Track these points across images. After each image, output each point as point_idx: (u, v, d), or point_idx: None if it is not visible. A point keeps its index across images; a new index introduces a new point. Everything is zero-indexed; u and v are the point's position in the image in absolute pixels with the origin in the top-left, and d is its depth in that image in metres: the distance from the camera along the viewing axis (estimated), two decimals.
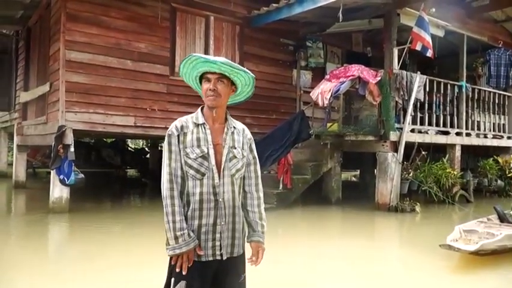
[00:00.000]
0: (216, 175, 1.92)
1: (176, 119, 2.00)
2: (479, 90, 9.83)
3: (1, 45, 11.06)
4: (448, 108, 9.03)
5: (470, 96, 9.48)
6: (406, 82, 7.91)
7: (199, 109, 2.03)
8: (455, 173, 8.53)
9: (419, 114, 8.36)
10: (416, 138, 8.14)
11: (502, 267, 4.32)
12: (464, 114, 9.31)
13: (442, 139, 8.81)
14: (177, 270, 1.85)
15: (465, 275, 4.15)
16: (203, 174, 1.91)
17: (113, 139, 15.39)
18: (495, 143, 10.14)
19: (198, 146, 1.92)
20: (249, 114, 8.84)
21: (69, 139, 6.79)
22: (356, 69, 7.87)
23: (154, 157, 14.35)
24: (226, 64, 1.89)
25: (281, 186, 7.86)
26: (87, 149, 14.68)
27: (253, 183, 2.08)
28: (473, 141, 9.52)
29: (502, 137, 10.35)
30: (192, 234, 1.87)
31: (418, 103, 8.27)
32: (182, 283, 1.87)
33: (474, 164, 10.60)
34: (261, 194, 2.11)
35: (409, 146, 7.95)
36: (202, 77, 1.98)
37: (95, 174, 13.60)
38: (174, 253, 1.85)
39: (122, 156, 15.45)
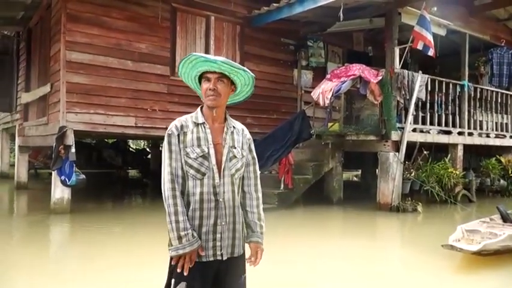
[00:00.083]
0: (216, 175, 1.91)
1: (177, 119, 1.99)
2: (482, 89, 9.78)
3: (2, 46, 11.09)
4: (450, 107, 8.99)
5: (473, 95, 9.44)
6: (408, 81, 7.88)
7: (198, 109, 2.01)
8: (458, 172, 8.49)
9: (421, 114, 8.33)
10: (418, 137, 8.11)
11: (504, 268, 4.29)
12: (466, 113, 9.27)
13: (444, 139, 8.77)
14: (179, 270, 1.83)
15: (467, 275, 4.12)
16: (203, 174, 1.90)
17: (114, 140, 15.41)
18: (498, 142, 10.09)
19: (199, 145, 1.91)
20: (250, 114, 8.84)
21: (70, 140, 6.78)
22: (357, 69, 7.84)
23: (156, 158, 14.35)
24: (226, 63, 1.88)
25: (282, 186, 7.84)
26: (89, 150, 14.69)
27: (253, 183, 2.07)
28: (476, 140, 9.48)
29: (504, 136, 10.30)
30: (195, 234, 1.86)
31: (420, 102, 8.24)
32: (182, 284, 1.85)
33: (476, 163, 10.55)
34: (260, 195, 2.10)
35: (410, 145, 7.91)
36: (202, 77, 1.96)
37: (96, 174, 13.61)
38: (177, 253, 1.83)
39: (123, 157, 15.46)
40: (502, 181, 9.94)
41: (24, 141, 9.84)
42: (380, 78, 7.73)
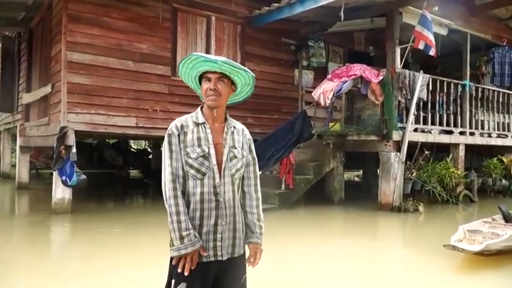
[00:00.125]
0: (217, 175, 1.90)
1: None
2: (483, 89, 9.75)
3: (4, 47, 11.13)
4: (451, 107, 8.97)
5: (474, 95, 9.41)
6: (409, 81, 7.86)
7: (198, 108, 2.01)
8: (459, 172, 8.47)
9: (422, 114, 8.31)
10: (420, 137, 8.09)
11: (507, 268, 4.27)
12: (468, 113, 9.24)
13: (445, 138, 8.75)
14: (179, 271, 1.82)
15: (469, 275, 4.10)
16: (204, 174, 1.89)
17: (115, 140, 15.43)
18: (499, 142, 10.06)
19: (199, 145, 1.90)
20: (251, 114, 8.84)
21: (71, 140, 6.79)
22: (358, 69, 7.83)
23: (157, 158, 14.36)
24: (227, 63, 1.87)
25: (283, 186, 7.83)
26: (90, 150, 14.72)
27: (252, 183, 2.06)
28: (477, 140, 9.46)
29: (506, 136, 10.26)
30: (197, 234, 1.85)
31: (421, 102, 8.22)
32: (183, 285, 1.84)
33: (478, 163, 10.53)
34: (260, 195, 2.09)
35: (412, 145, 7.90)
36: (202, 77, 1.96)
37: (97, 175, 13.64)
38: (179, 254, 1.82)
39: (124, 157, 15.49)
40: (503, 181, 9.92)
41: (25, 141, 9.85)
42: (381, 78, 7.71)
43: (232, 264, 1.94)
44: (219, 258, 1.90)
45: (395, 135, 7.70)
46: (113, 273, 3.94)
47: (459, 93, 9.15)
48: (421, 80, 7.99)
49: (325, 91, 7.89)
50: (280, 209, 7.48)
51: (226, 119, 2.01)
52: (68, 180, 6.76)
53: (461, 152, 8.96)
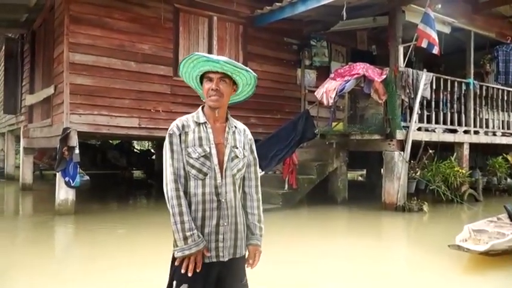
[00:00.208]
0: (218, 175, 1.88)
1: None
2: (487, 87, 9.69)
3: (7, 49, 11.16)
4: (455, 106, 8.91)
5: (478, 93, 9.35)
6: (412, 80, 7.82)
7: (199, 108, 2.00)
8: (464, 171, 8.41)
9: (426, 113, 8.26)
10: (423, 136, 8.04)
11: None
12: (472, 111, 9.18)
13: (449, 137, 8.69)
14: (183, 271, 1.81)
15: (475, 275, 4.06)
16: (205, 174, 1.88)
17: (119, 141, 15.45)
18: (504, 140, 9.99)
19: (200, 145, 1.89)
20: (254, 114, 8.83)
21: (74, 141, 6.79)
22: (361, 68, 7.79)
23: (160, 158, 14.36)
24: (229, 63, 1.86)
25: (286, 186, 7.81)
26: (93, 151, 14.75)
27: (253, 184, 2.05)
28: (482, 139, 9.39)
29: (511, 134, 10.19)
30: (200, 234, 1.84)
31: (425, 101, 8.17)
32: (184, 286, 1.83)
33: (483, 162, 10.46)
34: (260, 196, 2.08)
35: (416, 144, 7.85)
36: (204, 77, 1.94)
37: (101, 176, 13.67)
38: (183, 254, 1.81)
39: (128, 158, 15.51)
40: (508, 180, 9.86)
41: (28, 142, 9.88)
42: (384, 77, 7.67)
43: (233, 265, 1.92)
44: (221, 259, 1.88)
45: (399, 135, 7.66)
46: (114, 273, 3.93)
47: (463, 92, 9.09)
48: (425, 78, 7.95)
49: (328, 90, 7.86)
50: (284, 209, 7.45)
51: (227, 119, 1.99)
52: (71, 181, 6.77)
53: (466, 150, 8.91)
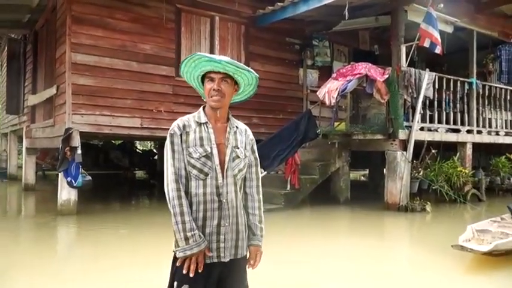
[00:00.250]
0: (219, 175, 1.88)
1: None
2: (490, 86, 9.65)
3: (10, 50, 11.20)
4: (458, 105, 8.88)
5: (481, 93, 9.31)
6: (415, 79, 7.79)
7: (201, 108, 1.99)
8: (467, 171, 8.38)
9: (428, 112, 8.23)
10: (426, 136, 8.01)
11: None
12: (475, 111, 9.15)
13: (452, 137, 8.66)
14: (184, 272, 1.80)
15: (478, 276, 4.04)
16: (206, 174, 1.87)
17: (121, 141, 15.47)
18: (507, 140, 9.94)
19: (201, 145, 1.88)
20: (256, 114, 8.82)
21: (76, 141, 6.79)
22: (363, 67, 7.76)
23: (162, 159, 14.35)
24: (231, 64, 1.85)
25: (289, 186, 7.79)
26: (96, 151, 14.78)
27: (254, 185, 2.04)
28: (485, 138, 9.36)
29: None
30: (201, 234, 1.83)
31: (427, 101, 8.14)
32: (185, 287, 1.82)
33: (486, 162, 10.42)
34: (261, 197, 2.07)
35: (418, 144, 7.82)
36: (205, 77, 1.93)
37: (103, 176, 13.69)
38: (184, 255, 1.80)
39: (130, 158, 15.53)
40: None
41: (31, 143, 9.90)
42: (386, 76, 7.64)
43: (235, 266, 1.91)
44: (222, 259, 1.87)
45: (402, 134, 7.64)
46: (115, 273, 3.93)
47: (466, 91, 9.06)
48: (427, 78, 7.92)
49: (330, 90, 7.84)
50: (286, 209, 7.44)
51: (228, 119, 1.98)
52: (73, 182, 6.77)
53: (469, 150, 8.87)
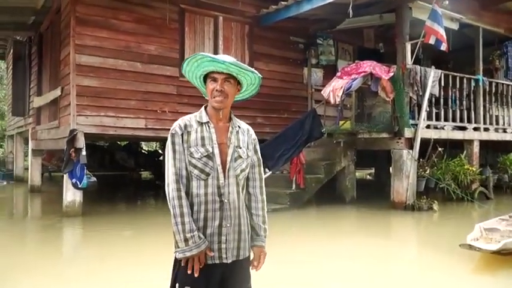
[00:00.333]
0: (221, 175, 1.85)
1: None
2: (497, 83, 9.55)
3: (15, 52, 11.26)
4: (464, 103, 8.80)
5: (488, 90, 9.23)
6: (420, 77, 7.73)
7: (202, 108, 1.97)
8: (474, 169, 8.30)
9: (434, 110, 8.16)
10: (432, 134, 7.95)
11: None
12: (481, 108, 9.06)
13: (459, 135, 8.58)
14: (189, 272, 1.78)
15: (486, 275, 3.99)
16: (208, 174, 1.84)
17: (127, 142, 15.51)
18: None
19: (203, 145, 1.86)
20: (260, 113, 8.80)
21: (81, 143, 6.81)
22: (368, 66, 7.71)
23: None
24: (234, 65, 1.83)
25: (294, 186, 7.76)
26: (101, 153, 14.80)
27: (258, 185, 2.01)
28: (492, 136, 9.27)
29: None
30: (201, 235, 1.81)
31: (433, 98, 8.07)
32: None
33: (493, 159, 10.33)
34: (265, 197, 2.04)
35: (424, 142, 7.76)
36: (207, 76, 1.91)
37: (109, 177, 13.72)
38: (184, 256, 1.79)
39: (136, 159, 15.54)
40: None
41: (37, 144, 9.94)
42: (392, 74, 7.58)
43: (237, 267, 1.89)
44: (224, 260, 1.85)
45: (407, 133, 7.58)
46: (118, 274, 3.94)
47: (472, 89, 8.98)
48: (433, 75, 7.85)
49: (334, 89, 7.79)
50: (291, 209, 7.41)
51: (231, 119, 1.96)
52: (78, 183, 6.78)
53: (476, 148, 8.79)
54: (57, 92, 7.81)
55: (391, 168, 8.04)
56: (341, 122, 8.46)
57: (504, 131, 9.61)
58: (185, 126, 1.89)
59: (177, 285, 1.83)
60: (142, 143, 17.43)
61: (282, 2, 8.15)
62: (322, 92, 8.25)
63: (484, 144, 9.20)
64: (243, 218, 1.92)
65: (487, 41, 9.46)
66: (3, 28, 10.23)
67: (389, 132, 7.71)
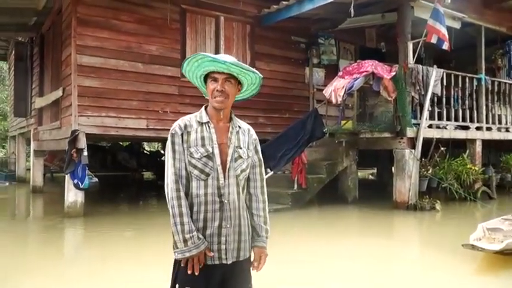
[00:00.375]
0: (221, 175, 1.84)
1: None
2: (500, 82, 9.52)
3: (17, 53, 11.29)
4: (467, 102, 8.76)
5: (490, 89, 9.19)
6: (422, 76, 7.70)
7: (202, 108, 1.96)
8: (477, 168, 8.26)
9: (436, 109, 8.13)
10: (435, 133, 7.92)
11: None
12: (484, 108, 9.03)
13: (461, 134, 8.55)
14: (189, 272, 1.77)
15: (489, 275, 3.96)
16: (208, 175, 1.83)
17: (129, 142, 15.53)
18: None
19: (203, 145, 1.85)
20: (262, 113, 8.78)
21: (82, 143, 6.81)
22: (370, 65, 7.68)
23: None
24: (235, 65, 1.82)
25: (296, 186, 7.74)
26: (103, 153, 14.83)
27: (259, 185, 2.00)
28: (495, 135, 9.23)
29: None
30: (200, 236, 1.80)
31: (436, 98, 8.04)
32: None
33: (496, 159, 10.28)
34: (266, 197, 2.02)
35: (427, 142, 7.73)
36: (208, 76, 1.90)
37: (111, 177, 13.74)
38: (183, 256, 1.78)
39: (138, 159, 15.56)
40: None
41: (39, 145, 9.96)
42: (393, 74, 7.56)
43: (238, 268, 1.87)
44: (223, 261, 1.84)
45: (410, 132, 7.55)
46: (119, 274, 3.94)
47: (474, 88, 8.94)
48: (435, 74, 7.82)
49: (336, 89, 7.77)
50: (293, 209, 7.39)
51: (231, 119, 1.95)
52: (80, 184, 6.79)
53: (478, 147, 8.76)
54: (59, 93, 7.82)
55: (393, 168, 8.02)
56: (343, 122, 8.44)
57: (507, 130, 9.58)
58: (185, 126, 1.88)
59: (177, 285, 1.83)
60: (145, 143, 17.44)
61: (284, 2, 8.13)
62: (323, 92, 8.23)
63: (486, 143, 9.16)
64: (244, 218, 1.90)
65: (490, 39, 9.42)
66: (5, 29, 10.26)
67: (391, 132, 7.69)
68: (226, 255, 1.84)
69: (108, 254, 4.70)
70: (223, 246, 1.83)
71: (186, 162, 1.84)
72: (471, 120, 8.78)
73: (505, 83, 9.65)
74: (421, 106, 7.79)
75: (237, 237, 1.87)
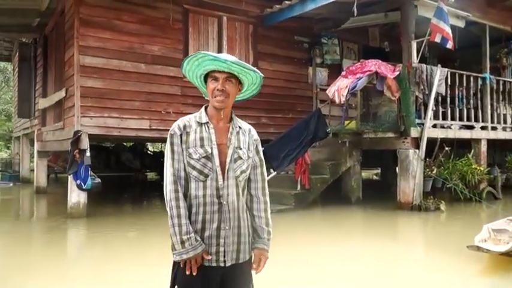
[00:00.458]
0: (220, 176, 1.81)
1: None
2: (505, 81, 9.44)
3: (20, 54, 11.33)
4: (471, 101, 8.70)
5: (495, 88, 9.11)
6: (426, 76, 7.64)
7: (202, 108, 1.94)
8: (482, 168, 8.19)
9: (441, 109, 8.07)
10: (439, 133, 7.85)
11: None
12: (489, 107, 8.95)
13: (466, 134, 8.48)
14: (187, 273, 1.76)
15: (495, 277, 3.91)
16: (206, 176, 1.81)
17: (132, 143, 15.55)
18: None
19: (202, 145, 1.82)
20: (265, 113, 8.76)
21: (85, 144, 6.81)
22: (373, 64, 7.63)
23: None
24: (236, 64, 1.79)
25: (299, 186, 7.71)
26: (107, 154, 14.85)
27: (260, 186, 1.96)
28: (500, 135, 9.15)
29: None
30: (198, 238, 1.78)
31: (440, 97, 7.98)
32: None
33: (501, 159, 10.21)
34: (268, 199, 1.99)
35: (431, 142, 7.67)
36: (208, 76, 1.88)
37: (114, 178, 13.77)
38: (180, 258, 1.76)
39: (141, 160, 15.56)
40: None
41: (42, 146, 9.98)
42: (397, 73, 7.51)
43: (237, 270, 1.85)
44: (221, 263, 1.81)
45: (414, 132, 7.49)
46: (122, 274, 3.93)
47: (479, 87, 8.87)
48: (439, 74, 7.76)
49: (339, 88, 7.73)
50: (296, 210, 7.36)
51: (231, 119, 1.92)
52: (83, 184, 6.79)
53: (483, 147, 8.68)
54: (62, 94, 7.83)
55: (397, 168, 7.97)
56: (346, 122, 8.38)
57: None
58: (184, 126, 1.86)
59: (176, 286, 1.81)
60: (148, 144, 17.46)
61: (286, 2, 8.10)
62: (327, 92, 8.19)
63: (491, 143, 9.08)
64: (243, 220, 1.87)
65: (494, 38, 9.34)
66: (9, 30, 10.30)
67: (395, 132, 7.63)
68: (225, 257, 1.81)
69: (111, 255, 4.70)
70: (221, 248, 1.81)
71: (185, 163, 1.82)
72: (476, 120, 8.71)
73: (510, 82, 9.57)
74: (425, 106, 7.73)
75: (236, 239, 1.84)
